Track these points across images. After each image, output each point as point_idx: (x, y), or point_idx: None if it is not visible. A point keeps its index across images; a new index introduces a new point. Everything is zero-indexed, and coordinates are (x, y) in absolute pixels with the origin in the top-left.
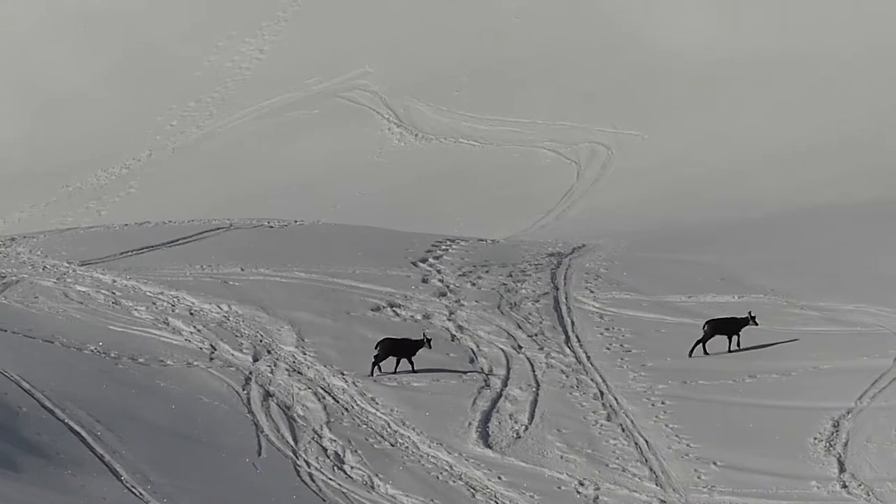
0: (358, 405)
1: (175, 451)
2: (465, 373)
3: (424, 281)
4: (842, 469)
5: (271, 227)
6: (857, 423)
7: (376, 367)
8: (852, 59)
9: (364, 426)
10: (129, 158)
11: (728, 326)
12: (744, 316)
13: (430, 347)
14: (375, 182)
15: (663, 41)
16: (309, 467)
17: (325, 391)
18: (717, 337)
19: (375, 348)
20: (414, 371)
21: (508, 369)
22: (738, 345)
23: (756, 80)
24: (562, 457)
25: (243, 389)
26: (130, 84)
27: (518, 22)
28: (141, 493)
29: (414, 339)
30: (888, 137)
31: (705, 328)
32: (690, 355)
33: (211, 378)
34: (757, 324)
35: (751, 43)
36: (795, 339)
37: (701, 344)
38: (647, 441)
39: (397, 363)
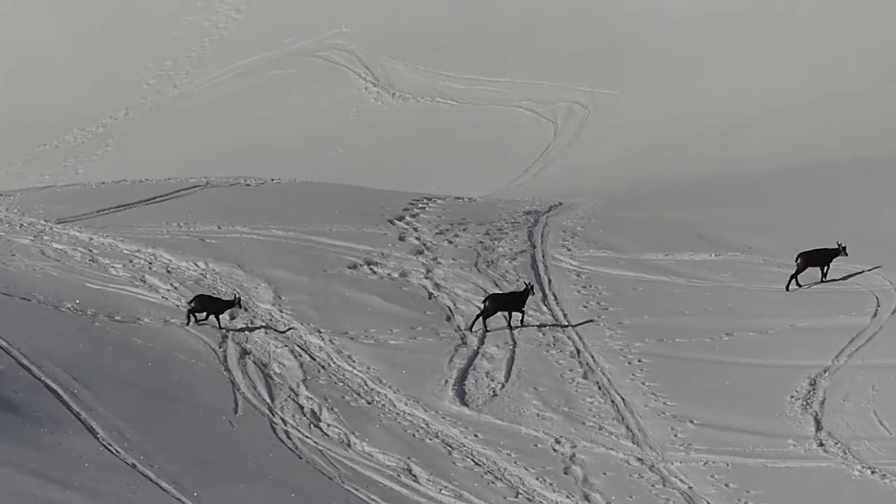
0: (334, 363)
1: (152, 408)
2: (441, 330)
3: (401, 239)
4: (818, 427)
5: (248, 185)
6: (834, 382)
7: (480, 321)
8: (833, 17)
9: (340, 384)
10: (107, 117)
11: (820, 257)
12: (834, 247)
13: (533, 293)
14: (352, 141)
15: (644, 0)
16: (285, 425)
17: (302, 349)
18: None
19: (483, 303)
20: (522, 325)
21: (485, 327)
22: (823, 277)
23: (735, 39)
24: (538, 414)
25: (220, 347)
26: (108, 43)
27: None
28: (117, 451)
29: (519, 290)
30: (868, 95)
31: (798, 261)
32: (787, 289)
33: (188, 336)
34: (847, 254)
35: (729, 5)
36: (771, 298)
37: (794, 278)
38: (623, 399)
39: (509, 318)
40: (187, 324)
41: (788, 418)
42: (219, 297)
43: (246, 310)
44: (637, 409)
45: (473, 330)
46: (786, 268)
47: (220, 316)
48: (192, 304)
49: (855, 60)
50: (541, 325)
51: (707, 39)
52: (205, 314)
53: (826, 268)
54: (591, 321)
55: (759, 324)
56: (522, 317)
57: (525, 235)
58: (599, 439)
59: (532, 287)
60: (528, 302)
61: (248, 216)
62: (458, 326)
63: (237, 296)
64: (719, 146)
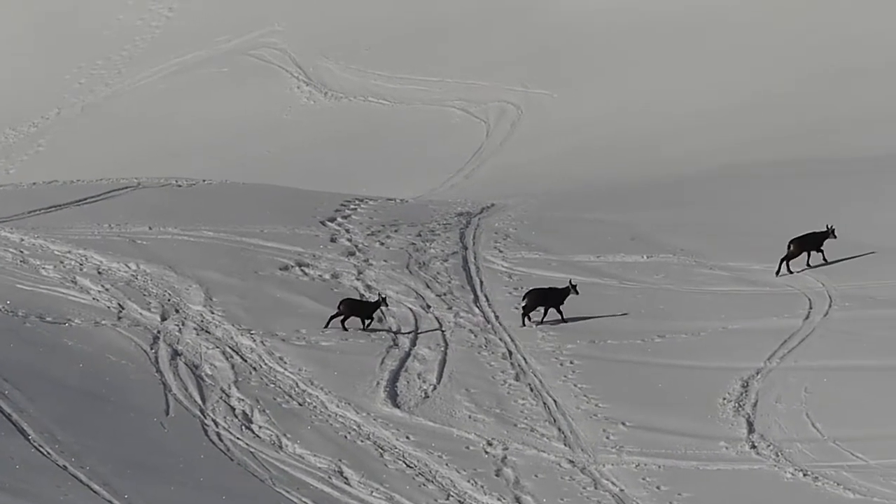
0: (266, 364)
1: (83, 410)
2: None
3: (333, 240)
4: (751, 429)
5: (179, 185)
6: (767, 384)
7: (526, 317)
8: (768, 20)
9: (272, 385)
10: (38, 117)
11: (811, 241)
12: (823, 230)
13: (577, 293)
14: (284, 141)
15: (578, 1)
16: (217, 426)
17: (234, 350)
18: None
19: (523, 300)
20: (564, 321)
21: (417, 329)
22: (825, 259)
23: (669, 42)
24: (470, 416)
25: (151, 348)
26: (39, 42)
27: None
28: (48, 453)
29: (560, 287)
30: (802, 98)
31: (790, 246)
32: (777, 275)
33: (119, 337)
34: (836, 236)
35: (664, 7)
36: (703, 300)
37: (785, 262)
38: (555, 401)
39: (545, 313)
40: (523, 324)
41: (720, 420)
42: (365, 299)
43: (388, 307)
44: (569, 411)
45: (525, 325)
46: (718, 269)
47: (561, 307)
48: (340, 310)
49: (790, 63)
50: (473, 328)
51: (641, 41)
52: (350, 318)
53: (820, 252)
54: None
55: (691, 326)
56: (562, 315)
57: (457, 237)
58: (531, 441)
59: (575, 286)
60: (567, 300)
61: (180, 217)
62: (390, 328)
63: (382, 296)
64: (652, 148)
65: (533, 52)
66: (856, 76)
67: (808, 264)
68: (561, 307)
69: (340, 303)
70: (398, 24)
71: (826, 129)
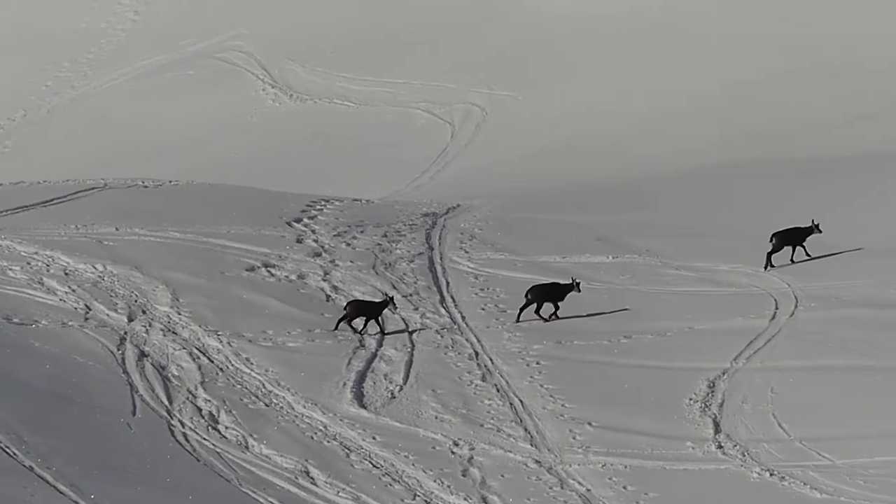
0: (233, 365)
1: (50, 411)
2: (339, 333)
3: (299, 241)
4: (717, 430)
5: (146, 186)
6: (733, 384)
7: (524, 312)
8: (736, 23)
9: (239, 386)
10: (4, 118)
11: (794, 236)
12: (808, 225)
13: (579, 291)
14: (250, 142)
15: (543, 4)
16: (183, 427)
17: (200, 351)
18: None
19: (525, 296)
20: (558, 317)
21: (383, 330)
22: (808, 253)
23: (636, 43)
24: (436, 417)
25: (118, 349)
26: (4, 45)
27: None
28: (15, 454)
29: (563, 282)
30: (769, 100)
31: (773, 241)
32: (766, 269)
33: (86, 338)
34: (821, 231)
35: (632, 8)
36: (669, 300)
37: (769, 258)
38: (521, 401)
39: (555, 308)
40: (334, 328)
41: (687, 421)
42: (371, 299)
43: (396, 307)
44: (535, 412)
45: (520, 321)
46: (684, 270)
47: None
48: (347, 311)
49: (755, 64)
50: (439, 328)
51: (606, 43)
52: (363, 320)
53: (801, 248)
54: (495, 327)
55: (657, 326)
56: (557, 310)
57: (423, 237)
58: (498, 441)
59: (578, 284)
60: (567, 297)
61: (146, 218)
62: (356, 329)
63: (388, 295)
64: (618, 149)
65: (497, 54)
66: (823, 77)
67: (791, 260)
68: (560, 303)
69: (347, 304)
70: (363, 27)
71: (791, 131)
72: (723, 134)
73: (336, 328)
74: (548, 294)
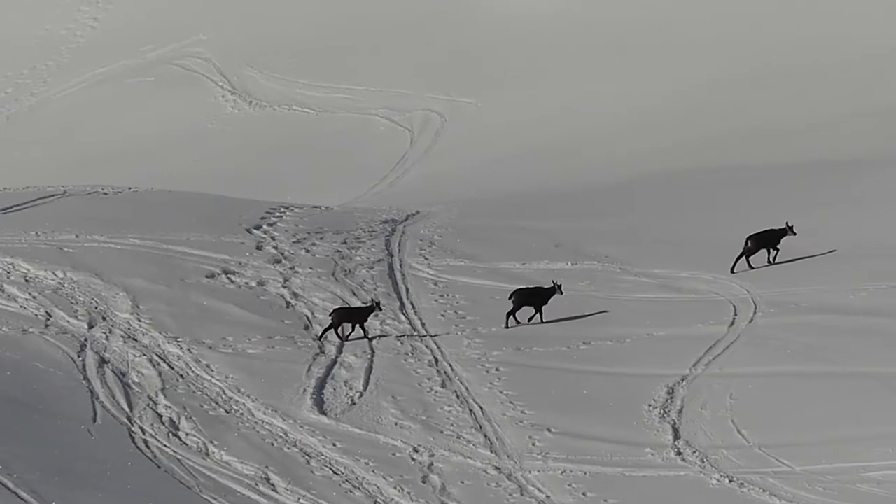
0: (193, 372)
1: (10, 417)
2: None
3: (259, 248)
4: (676, 436)
5: (106, 193)
6: (692, 391)
7: (511, 318)
8: (693, 30)
9: (199, 393)
10: None
11: (768, 238)
12: (782, 227)
13: (561, 293)
14: (209, 149)
15: (501, 8)
16: (144, 434)
17: (161, 358)
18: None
19: (510, 299)
20: (542, 322)
21: (343, 336)
22: (770, 260)
23: (592, 48)
24: (396, 423)
25: (79, 356)
26: None
27: None
28: None
29: (546, 287)
30: (725, 104)
31: (748, 243)
32: (733, 271)
33: (46, 345)
34: (795, 233)
35: (591, 12)
36: (629, 307)
37: (745, 258)
38: (481, 408)
39: (536, 311)
40: (319, 337)
41: (646, 427)
42: (358, 305)
43: (381, 311)
44: (495, 418)
45: (509, 327)
46: (643, 277)
47: (366, 324)
48: (333, 320)
49: (714, 72)
50: (399, 335)
51: (563, 49)
52: (349, 326)
53: (775, 251)
54: (455, 333)
55: (616, 332)
56: (541, 316)
57: (382, 244)
58: (457, 448)
59: (560, 286)
60: (552, 299)
61: (106, 225)
62: (316, 335)
63: (374, 299)
64: (577, 155)
65: (456, 61)
66: (777, 82)
67: (768, 261)
68: (543, 308)
69: (332, 312)
70: (322, 34)
71: (748, 136)
72: (679, 139)
73: (321, 337)
74: (530, 298)
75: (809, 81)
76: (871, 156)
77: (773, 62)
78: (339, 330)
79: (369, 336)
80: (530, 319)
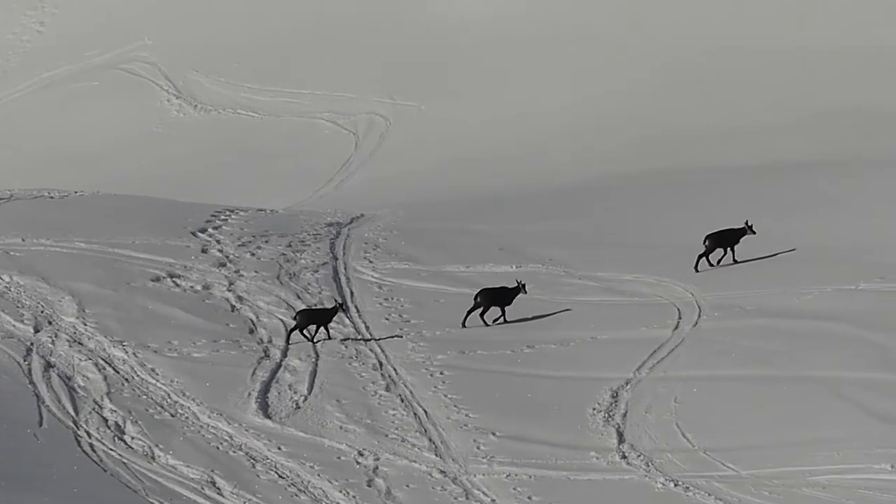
0: (138, 376)
1: None
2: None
3: (204, 251)
4: (621, 440)
5: (52, 197)
6: (636, 394)
7: (471, 316)
8: (637, 33)
9: (144, 397)
10: None
11: (727, 238)
12: (741, 226)
13: (525, 293)
14: (155, 153)
15: (445, 12)
16: (90, 438)
17: (106, 362)
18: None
19: (475, 299)
20: (506, 321)
21: (288, 340)
22: (734, 259)
23: (538, 53)
24: (341, 427)
25: (24, 360)
26: None
27: None
28: None
29: (510, 287)
30: (669, 110)
31: (706, 243)
32: (696, 270)
33: None
34: (755, 232)
35: (535, 16)
36: (573, 310)
37: (705, 258)
38: (426, 411)
39: (503, 312)
40: (287, 340)
41: (591, 431)
42: (322, 307)
43: (346, 312)
44: (439, 422)
45: (466, 326)
46: (587, 280)
47: (329, 325)
48: (297, 321)
49: (657, 76)
50: (343, 338)
51: (508, 53)
52: (314, 328)
53: (732, 251)
54: (397, 336)
55: (560, 336)
56: (504, 315)
57: (327, 247)
58: (402, 452)
59: (524, 286)
60: (516, 298)
61: (52, 229)
62: (261, 339)
63: (339, 301)
64: (520, 159)
65: (401, 64)
66: (721, 86)
67: (734, 260)
68: (507, 308)
69: (297, 314)
70: (267, 38)
71: (693, 140)
72: (624, 143)
73: (288, 341)
74: (496, 298)
75: (754, 87)
76: (805, 161)
77: (719, 69)
78: (305, 331)
79: (332, 338)
80: (496, 320)
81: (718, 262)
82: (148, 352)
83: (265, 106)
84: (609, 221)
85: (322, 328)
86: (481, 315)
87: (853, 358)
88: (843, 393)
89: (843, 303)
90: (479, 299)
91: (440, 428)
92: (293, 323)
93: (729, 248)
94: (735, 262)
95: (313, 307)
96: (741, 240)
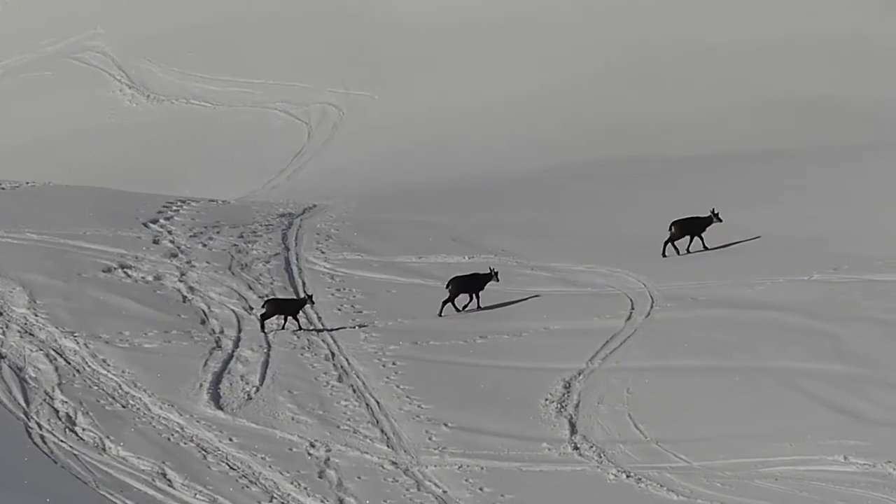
0: (89, 367)
1: None
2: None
3: (155, 242)
4: (573, 431)
5: (3, 188)
6: (589, 385)
7: (448, 305)
8: (584, 24)
9: (96, 388)
10: None
11: (693, 225)
12: (707, 215)
13: (497, 280)
14: (107, 143)
15: (396, 2)
16: (41, 429)
17: (57, 353)
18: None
19: (447, 287)
20: (479, 308)
21: (240, 330)
22: (705, 246)
23: (489, 43)
24: (293, 418)
25: None
26: None
27: None
28: None
29: (482, 273)
30: (617, 100)
31: (672, 229)
32: (664, 255)
33: None
34: (721, 220)
35: (489, 8)
36: (526, 300)
37: (671, 244)
38: (378, 402)
39: (470, 299)
40: (261, 329)
41: (543, 421)
42: (290, 297)
43: (314, 304)
44: (392, 413)
45: (442, 315)
46: (539, 270)
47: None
48: (265, 310)
49: (605, 66)
50: (295, 329)
51: (460, 43)
52: (282, 318)
53: (700, 238)
54: (352, 327)
55: (512, 326)
56: (478, 301)
57: (279, 238)
58: (354, 443)
59: (496, 273)
60: (488, 285)
61: (3, 219)
62: (213, 329)
63: (308, 293)
64: (472, 149)
65: (353, 54)
66: (678, 77)
67: (704, 247)
68: (480, 293)
69: (265, 303)
70: (220, 28)
71: (649, 130)
72: (575, 134)
73: (262, 329)
74: (468, 285)
75: (703, 78)
76: (761, 150)
77: (666, 60)
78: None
79: (302, 328)
80: (465, 307)
81: (688, 249)
82: (99, 342)
83: (218, 96)
84: (563, 212)
85: (291, 318)
86: (451, 301)
87: (806, 349)
88: (796, 384)
89: (796, 293)
90: (450, 287)
91: (392, 419)
92: (260, 312)
93: (696, 237)
94: (706, 248)
95: (282, 297)
96: (707, 228)
